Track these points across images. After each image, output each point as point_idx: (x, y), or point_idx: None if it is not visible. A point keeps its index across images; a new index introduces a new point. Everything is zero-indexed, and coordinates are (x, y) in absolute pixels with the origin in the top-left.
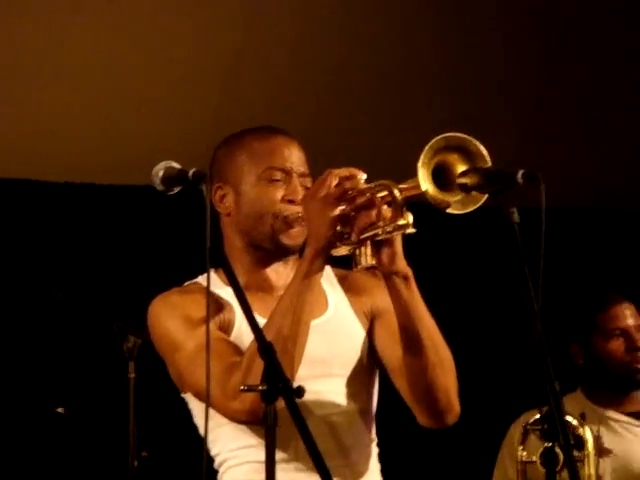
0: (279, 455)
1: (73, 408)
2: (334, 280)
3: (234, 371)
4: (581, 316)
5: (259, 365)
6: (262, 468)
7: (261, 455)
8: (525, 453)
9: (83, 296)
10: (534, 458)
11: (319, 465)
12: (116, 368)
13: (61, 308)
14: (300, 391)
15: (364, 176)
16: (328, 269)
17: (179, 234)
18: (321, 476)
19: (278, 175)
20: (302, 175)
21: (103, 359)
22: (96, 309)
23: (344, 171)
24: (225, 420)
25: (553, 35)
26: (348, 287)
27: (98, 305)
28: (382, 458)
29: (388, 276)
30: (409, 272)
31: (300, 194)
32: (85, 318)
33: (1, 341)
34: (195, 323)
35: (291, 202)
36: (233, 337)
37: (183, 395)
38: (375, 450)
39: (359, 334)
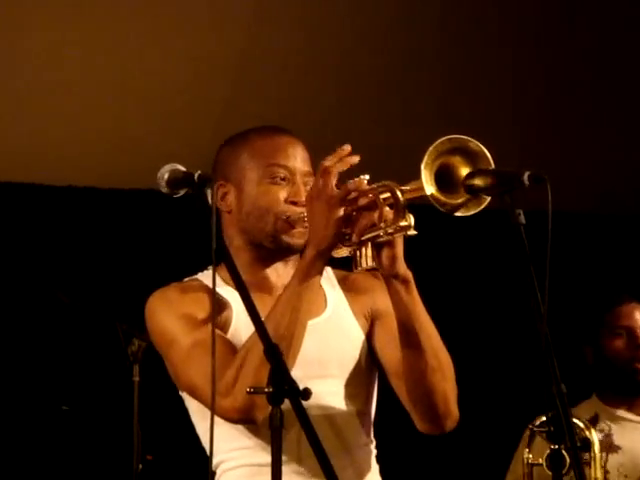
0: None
1: (78, 411)
2: (334, 280)
3: (227, 368)
4: (591, 316)
5: (253, 363)
6: (259, 471)
7: (257, 458)
8: (531, 455)
9: (88, 300)
10: (540, 460)
11: (325, 466)
12: (120, 371)
13: (66, 312)
14: (306, 393)
15: (367, 176)
16: (328, 269)
17: (182, 237)
18: (327, 477)
19: (281, 173)
20: (306, 175)
21: (107, 362)
22: (101, 312)
23: (335, 158)
24: (221, 420)
25: (559, 36)
26: (348, 288)
27: (103, 308)
28: (382, 462)
29: (388, 279)
30: (409, 276)
31: (303, 195)
32: (90, 321)
33: (6, 345)
34: (191, 319)
35: (294, 203)
36: (229, 336)
37: (181, 394)
38: (374, 451)
39: (357, 335)
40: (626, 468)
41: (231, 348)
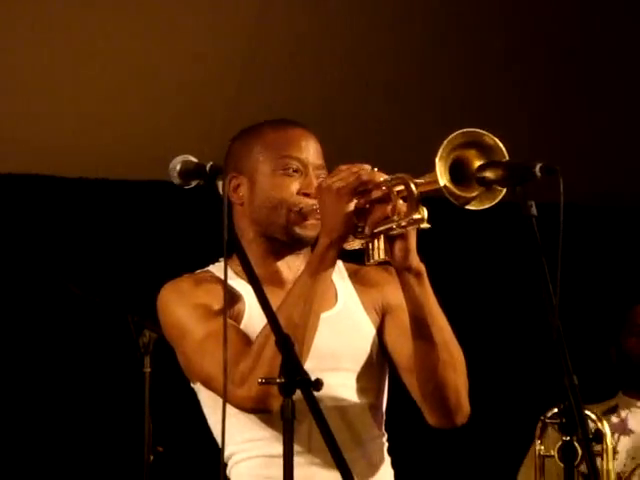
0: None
1: (89, 403)
2: (345, 274)
3: (242, 358)
4: (613, 315)
5: (268, 353)
6: (271, 462)
7: (270, 449)
8: (543, 447)
9: (99, 291)
10: (552, 452)
11: (337, 458)
12: (131, 363)
13: (77, 303)
14: (318, 384)
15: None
16: (340, 263)
17: (194, 228)
18: (339, 468)
19: (294, 165)
20: (318, 168)
21: (118, 354)
22: (111, 304)
23: (359, 167)
24: (234, 411)
25: (566, 29)
26: (359, 282)
27: (113, 300)
28: (394, 455)
29: (401, 272)
30: (422, 269)
31: (316, 187)
32: (101, 313)
33: (18, 337)
34: (204, 310)
35: (306, 195)
36: (242, 327)
37: (193, 385)
38: (385, 444)
39: (368, 330)
40: (635, 450)
41: (245, 338)
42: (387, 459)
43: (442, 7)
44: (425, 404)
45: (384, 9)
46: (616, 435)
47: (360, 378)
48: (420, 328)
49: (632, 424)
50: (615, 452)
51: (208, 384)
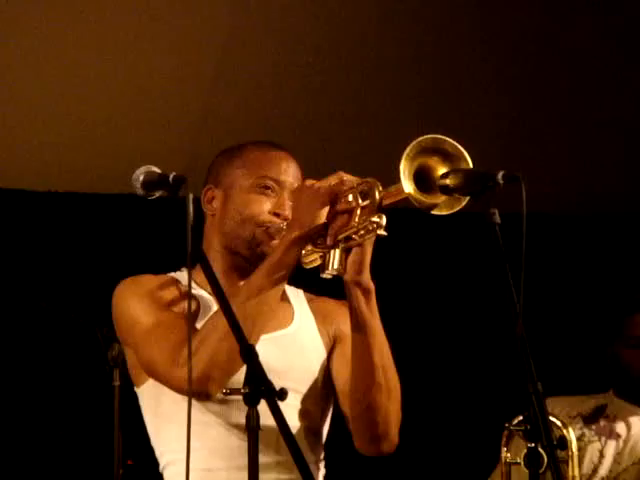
0: (233, 461)
1: (58, 416)
2: (304, 300)
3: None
4: (610, 319)
5: (213, 336)
6: (206, 476)
7: (204, 462)
8: (509, 454)
9: (66, 304)
10: (518, 459)
11: (299, 462)
12: (101, 376)
13: (45, 316)
14: (282, 394)
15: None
16: (300, 291)
17: (162, 242)
18: (301, 472)
19: (270, 184)
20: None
21: (87, 367)
22: (80, 317)
23: (354, 179)
24: (174, 418)
25: (538, 36)
26: (316, 309)
27: (82, 313)
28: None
29: (351, 286)
30: (371, 286)
31: (287, 209)
32: (69, 326)
33: None
34: (157, 304)
35: (277, 215)
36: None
37: (136, 390)
38: (321, 471)
39: (320, 352)
40: (620, 456)
41: (194, 328)
42: None
43: (410, 14)
44: (354, 426)
45: (353, 20)
46: (603, 439)
47: (305, 399)
48: (360, 346)
49: (620, 428)
50: (602, 456)
51: (151, 368)
